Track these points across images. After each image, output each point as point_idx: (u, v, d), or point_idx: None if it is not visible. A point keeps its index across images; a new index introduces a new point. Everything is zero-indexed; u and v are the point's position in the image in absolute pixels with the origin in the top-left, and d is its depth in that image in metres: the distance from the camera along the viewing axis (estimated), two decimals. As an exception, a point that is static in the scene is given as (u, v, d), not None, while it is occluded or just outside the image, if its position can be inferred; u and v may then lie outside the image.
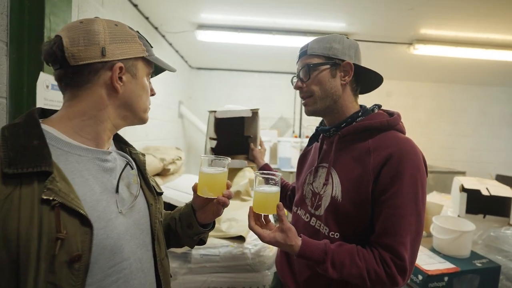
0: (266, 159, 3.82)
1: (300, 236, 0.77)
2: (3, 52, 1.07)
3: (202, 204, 0.76)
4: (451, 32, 2.49)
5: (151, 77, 0.75)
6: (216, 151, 1.51)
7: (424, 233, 1.82)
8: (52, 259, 0.46)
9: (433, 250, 1.54)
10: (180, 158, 2.11)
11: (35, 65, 1.10)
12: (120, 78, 0.60)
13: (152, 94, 0.71)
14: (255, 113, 1.49)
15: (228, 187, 0.74)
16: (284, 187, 1.25)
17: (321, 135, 0.95)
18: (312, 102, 0.86)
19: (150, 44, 0.69)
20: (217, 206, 0.75)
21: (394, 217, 0.71)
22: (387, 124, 0.80)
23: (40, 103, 1.10)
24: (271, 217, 0.86)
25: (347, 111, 0.86)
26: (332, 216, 0.80)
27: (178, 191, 1.60)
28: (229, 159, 0.75)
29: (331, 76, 0.83)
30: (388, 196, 0.72)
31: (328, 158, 0.86)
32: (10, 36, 1.08)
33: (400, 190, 0.71)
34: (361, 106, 0.90)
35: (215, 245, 1.40)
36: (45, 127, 0.56)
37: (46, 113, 0.63)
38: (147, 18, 2.33)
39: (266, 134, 4.14)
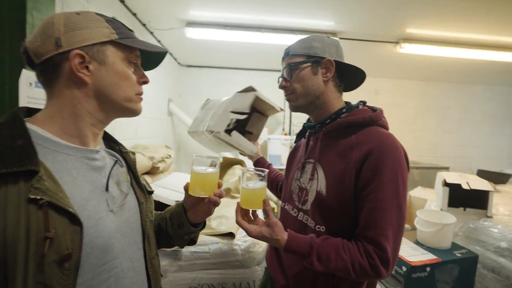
0: (257, 156, 3.83)
1: (287, 231, 0.79)
2: (-17, 49, 1.05)
3: (193, 204, 0.76)
4: (436, 32, 2.56)
5: (147, 69, 0.71)
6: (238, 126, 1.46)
7: (408, 226, 1.88)
8: (41, 259, 0.46)
9: (417, 242, 1.59)
10: (170, 156, 2.10)
11: (17, 62, 1.08)
12: (87, 68, 0.56)
13: (144, 82, 0.65)
14: (268, 115, 1.51)
15: (220, 186, 0.74)
16: (276, 178, 1.30)
17: (308, 131, 0.98)
18: (294, 98, 0.89)
19: (127, 28, 0.63)
20: (208, 205, 0.75)
21: (376, 210, 0.73)
22: (370, 119, 0.82)
23: (23, 101, 1.08)
24: (260, 213, 0.88)
25: (332, 107, 0.88)
26: (318, 210, 0.83)
27: (167, 189, 1.60)
28: (221, 158, 0.76)
29: (312, 74, 0.86)
30: (369, 190, 0.74)
31: (314, 154, 0.89)
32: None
33: (381, 184, 0.73)
34: (346, 102, 0.92)
35: (205, 242, 1.41)
36: (30, 126, 0.54)
37: (32, 112, 0.61)
38: (134, 15, 2.29)
39: (256, 132, 4.16)
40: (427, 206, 1.95)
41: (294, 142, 1.09)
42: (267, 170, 0.80)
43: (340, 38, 2.68)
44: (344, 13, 2.26)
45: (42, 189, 0.48)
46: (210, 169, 0.73)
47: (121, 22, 0.63)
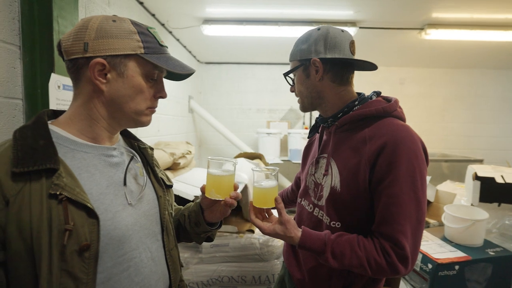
0: (277, 151, 3.83)
1: (301, 227, 0.79)
2: (16, 55, 1.13)
3: (210, 204, 0.78)
4: (464, 14, 2.38)
5: (175, 80, 0.73)
6: None
7: (435, 222, 1.79)
8: (63, 248, 0.50)
9: (444, 239, 1.52)
10: (190, 152, 2.16)
11: (47, 66, 1.16)
12: (105, 75, 0.58)
13: (160, 97, 0.66)
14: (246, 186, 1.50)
15: (235, 188, 0.75)
16: (284, 192, 1.27)
17: (321, 125, 0.97)
18: (300, 100, 0.92)
19: (159, 42, 0.63)
20: (224, 207, 0.76)
21: (392, 205, 0.71)
22: (383, 111, 0.79)
23: (53, 102, 1.16)
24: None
25: (338, 102, 0.86)
26: (332, 206, 0.82)
27: (188, 184, 1.64)
28: (237, 161, 0.76)
29: (305, 77, 0.87)
30: (385, 185, 0.72)
31: (328, 149, 0.88)
32: (23, 40, 1.14)
33: (396, 178, 0.70)
34: (359, 94, 0.89)
35: (224, 235, 1.44)
36: (52, 127, 0.59)
37: (58, 114, 0.66)
38: (153, 15, 2.36)
39: (276, 126, 4.14)
40: (456, 201, 1.85)
41: (308, 137, 1.08)
42: (277, 169, 0.80)
43: (360, 28, 2.58)
44: (363, 1, 2.17)
45: (61, 185, 0.51)
46: (226, 172, 0.74)
47: (154, 36, 0.63)
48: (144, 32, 0.61)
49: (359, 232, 0.77)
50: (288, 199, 1.25)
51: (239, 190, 1.40)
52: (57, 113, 0.66)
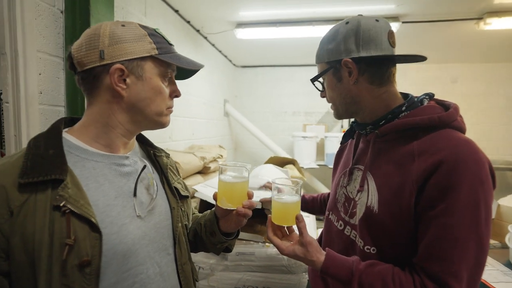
0: (313, 156, 3.69)
1: (326, 250, 0.70)
2: (60, 66, 1.23)
3: (224, 213, 0.73)
4: (536, -1, 2.04)
5: (181, 79, 0.72)
6: None
7: (496, 243, 1.54)
8: (64, 263, 0.48)
9: (508, 264, 1.29)
10: (221, 156, 2.17)
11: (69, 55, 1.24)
12: (124, 81, 0.58)
13: (176, 96, 0.67)
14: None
15: (250, 196, 0.69)
16: (315, 200, 1.18)
17: (357, 131, 0.85)
18: (333, 108, 0.81)
19: (167, 42, 0.64)
20: (237, 217, 0.70)
21: (445, 240, 0.58)
22: (439, 120, 0.64)
23: (89, 109, 1.23)
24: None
25: (379, 106, 0.73)
26: (367, 228, 0.70)
27: (216, 189, 1.64)
28: (249, 165, 0.70)
29: (337, 81, 0.76)
30: (436, 212, 0.59)
31: (364, 160, 0.75)
32: (66, 52, 1.23)
33: (453, 206, 0.57)
34: (407, 96, 0.75)
35: (251, 244, 1.40)
36: (66, 135, 0.59)
37: (76, 121, 0.65)
38: (188, 22, 2.43)
39: (312, 130, 4.01)
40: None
41: (340, 143, 0.97)
42: (301, 182, 0.73)
43: (403, 22, 2.36)
44: (408, -8, 1.98)
45: (65, 197, 0.50)
46: (238, 178, 0.68)
47: (162, 35, 0.64)
48: (153, 34, 0.61)
49: (397, 261, 0.66)
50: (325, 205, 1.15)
51: (263, 197, 1.35)
52: (75, 120, 0.66)
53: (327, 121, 4.20)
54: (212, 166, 1.96)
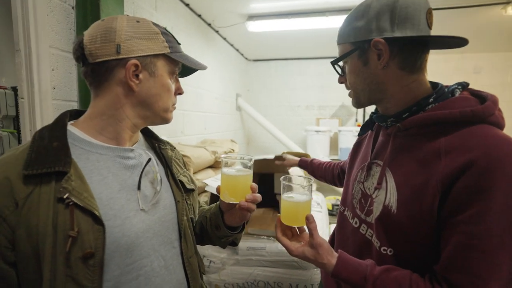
0: (326, 150, 3.64)
1: (338, 252, 0.66)
2: (72, 62, 1.24)
3: (228, 207, 0.72)
4: None
5: (181, 77, 0.73)
6: None
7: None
8: (68, 254, 0.49)
9: None
10: (233, 150, 2.16)
11: (78, 43, 1.26)
12: (137, 76, 0.59)
13: (179, 93, 0.69)
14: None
15: (253, 190, 0.66)
16: (328, 169, 1.22)
17: (376, 123, 0.78)
18: (354, 95, 0.73)
19: (177, 41, 0.67)
20: (241, 211, 0.68)
21: (473, 249, 0.52)
22: (472, 115, 0.57)
23: (101, 104, 1.25)
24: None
25: (405, 97, 0.66)
26: (384, 228, 0.66)
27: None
28: (253, 158, 0.67)
29: (363, 64, 0.67)
30: (463, 218, 0.53)
31: (384, 155, 0.70)
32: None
33: (484, 213, 0.51)
34: (436, 85, 0.68)
35: (262, 239, 1.39)
36: (71, 128, 0.59)
37: (82, 113, 0.65)
38: (199, 16, 2.42)
39: (326, 124, 3.94)
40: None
41: (358, 135, 0.90)
42: (312, 180, 0.69)
43: (424, 9, 2.24)
44: (428, -23, 1.87)
45: (68, 189, 0.50)
46: (241, 171, 0.66)
47: (171, 35, 0.66)
48: (165, 32, 0.63)
49: (416, 265, 0.61)
50: (321, 172, 1.22)
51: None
52: (81, 113, 0.65)
53: (341, 115, 4.11)
54: (224, 160, 1.96)
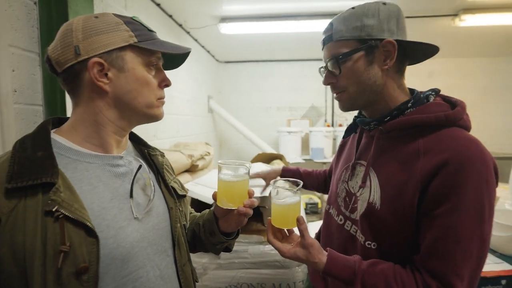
0: (298, 150, 3.73)
1: (327, 250, 0.69)
2: (36, 62, 1.14)
3: (223, 213, 0.72)
4: (507, -4, 2.15)
5: (171, 68, 0.69)
6: None
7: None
8: (59, 271, 0.45)
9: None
10: (209, 153, 2.13)
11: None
12: (106, 75, 0.55)
13: (166, 85, 0.63)
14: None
15: (250, 195, 0.67)
16: (315, 177, 1.20)
17: (359, 126, 0.83)
18: (346, 98, 0.72)
19: (147, 28, 0.60)
20: (238, 216, 0.68)
21: (448, 239, 0.58)
22: (445, 119, 0.63)
23: (70, 107, 1.16)
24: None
25: (393, 101, 0.70)
26: (368, 224, 0.70)
27: (206, 187, 1.61)
28: (251, 165, 0.68)
29: (367, 64, 0.67)
30: (440, 212, 0.59)
31: (367, 156, 0.74)
32: (42, 47, 1.15)
33: (458, 206, 0.57)
34: (412, 92, 0.73)
35: (244, 242, 1.39)
36: (55, 136, 0.55)
37: (64, 121, 0.61)
38: (170, 16, 2.35)
39: (297, 125, 4.04)
40: (500, 205, 1.67)
41: (343, 137, 0.94)
42: (301, 183, 0.70)
43: (386, 17, 2.41)
44: (390, -12, 2.01)
45: (58, 201, 0.47)
46: (239, 177, 0.66)
47: (140, 22, 0.60)
48: (130, 21, 0.57)
49: (397, 257, 0.66)
50: (310, 180, 1.19)
51: (261, 195, 1.33)
52: (63, 121, 0.61)
53: (311, 116, 4.24)
54: (200, 163, 1.93)
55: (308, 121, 4.16)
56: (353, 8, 0.68)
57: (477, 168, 0.58)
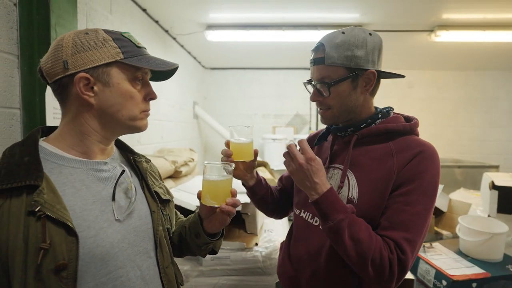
0: (282, 158, 3.79)
1: (299, 242, 0.76)
2: (14, 65, 1.11)
3: (208, 213, 0.73)
4: (477, 15, 2.30)
5: (160, 80, 0.72)
6: None
7: (448, 234, 1.70)
8: (39, 267, 0.48)
9: (459, 253, 1.43)
10: (193, 159, 2.12)
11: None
12: (92, 88, 0.58)
13: (151, 98, 0.66)
14: None
15: (233, 194, 0.70)
16: (267, 195, 1.01)
17: (330, 135, 0.91)
18: (330, 115, 0.82)
19: (135, 45, 0.63)
20: (222, 215, 0.71)
21: (405, 213, 0.69)
22: (409, 128, 0.80)
23: (50, 112, 1.13)
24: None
25: (364, 114, 0.84)
26: None
27: (189, 193, 1.60)
28: (233, 165, 0.71)
29: (352, 88, 0.78)
30: (402, 191, 0.71)
31: (342, 159, 0.83)
32: (21, 49, 1.12)
33: (418, 188, 0.70)
34: (376, 108, 0.87)
35: (226, 248, 1.39)
36: (42, 143, 0.59)
37: (54, 130, 0.65)
38: (156, 22, 2.35)
39: (281, 132, 4.09)
40: (472, 211, 1.75)
41: (315, 145, 0.97)
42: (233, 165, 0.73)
43: (367, 30, 2.52)
44: (370, 2, 2.11)
45: (40, 202, 0.50)
46: (222, 176, 0.70)
47: (129, 39, 0.63)
48: (119, 38, 0.61)
49: None
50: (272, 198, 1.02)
51: (243, 201, 1.34)
52: (52, 129, 0.65)
53: (295, 123, 4.31)
54: (184, 170, 1.91)
55: (292, 129, 4.22)
56: (343, 33, 0.76)
57: (437, 160, 0.74)
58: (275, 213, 1.05)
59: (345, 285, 0.76)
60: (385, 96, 3.82)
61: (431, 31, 2.56)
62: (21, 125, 1.14)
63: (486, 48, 3.08)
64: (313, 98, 0.82)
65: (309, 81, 0.84)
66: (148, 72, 0.65)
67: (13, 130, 1.10)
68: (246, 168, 0.91)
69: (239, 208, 1.42)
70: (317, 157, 0.73)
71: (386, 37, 2.85)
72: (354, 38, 0.75)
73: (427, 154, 0.73)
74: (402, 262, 0.67)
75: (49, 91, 1.13)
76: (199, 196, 0.71)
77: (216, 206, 0.69)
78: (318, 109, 0.84)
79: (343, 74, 0.76)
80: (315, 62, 0.80)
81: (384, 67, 0.81)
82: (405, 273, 0.68)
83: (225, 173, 0.70)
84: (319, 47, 0.78)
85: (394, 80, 0.91)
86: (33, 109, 1.15)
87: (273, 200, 1.02)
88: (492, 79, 4.21)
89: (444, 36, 2.53)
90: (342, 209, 0.69)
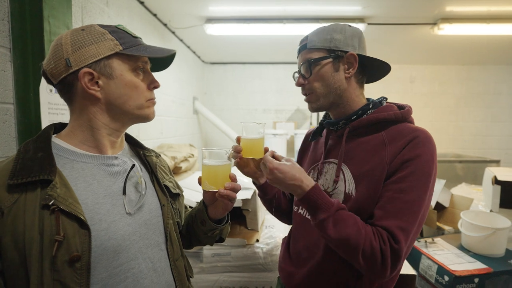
0: (283, 153, 3.76)
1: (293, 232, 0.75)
2: (7, 58, 1.08)
3: (211, 199, 0.75)
4: (481, 7, 2.26)
5: (160, 70, 0.73)
6: None
7: (450, 229, 1.68)
8: (54, 258, 0.51)
9: (461, 248, 1.42)
10: (193, 155, 2.10)
11: (39, 69, 1.11)
12: (97, 83, 0.60)
13: (155, 87, 0.67)
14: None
15: (232, 179, 0.71)
16: (279, 195, 1.00)
17: (324, 129, 0.91)
18: (314, 98, 0.82)
19: (131, 35, 0.65)
20: (222, 200, 0.72)
21: (398, 200, 0.67)
22: (401, 116, 0.78)
23: (45, 106, 1.11)
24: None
25: (354, 105, 0.82)
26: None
27: (189, 189, 1.58)
28: (230, 150, 0.73)
29: (334, 70, 0.79)
30: (395, 179, 0.69)
31: (336, 153, 0.82)
32: (13, 42, 1.09)
33: (410, 174, 0.68)
34: (368, 99, 0.86)
35: (226, 245, 1.38)
36: (55, 140, 0.62)
37: (65, 126, 0.67)
38: (155, 15, 2.31)
39: (282, 127, 4.06)
40: (474, 206, 1.74)
41: (310, 141, 0.99)
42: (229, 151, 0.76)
43: (368, 24, 2.47)
44: (373, -5, 2.07)
45: (54, 196, 0.53)
46: (221, 161, 0.71)
47: (125, 30, 0.65)
48: (115, 30, 0.63)
49: None
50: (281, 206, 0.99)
51: (243, 197, 1.32)
52: (65, 126, 0.67)
53: (296, 119, 4.28)
54: (184, 165, 1.89)
55: (293, 124, 4.19)
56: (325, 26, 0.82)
57: (429, 148, 0.71)
58: (288, 217, 1.00)
59: (344, 278, 0.76)
60: (387, 92, 3.78)
61: (434, 24, 2.52)
62: (15, 121, 1.11)
63: (489, 42, 3.03)
64: (297, 83, 0.84)
65: (298, 72, 0.86)
66: (148, 62, 0.66)
67: (7, 125, 1.08)
68: (256, 166, 0.89)
69: (239, 204, 1.41)
70: (281, 163, 0.72)
71: (388, 30, 2.80)
72: (334, 26, 0.81)
73: (420, 139, 0.71)
74: (395, 251, 0.65)
75: (43, 85, 1.10)
76: (199, 181, 0.73)
77: (214, 190, 0.70)
78: (305, 98, 0.85)
79: (324, 55, 0.79)
80: (300, 49, 0.84)
81: (388, 62, 0.81)
82: (399, 263, 0.67)
83: (223, 158, 0.71)
84: (304, 38, 0.83)
85: (396, 75, 0.90)
86: (27, 104, 1.12)
87: (286, 202, 1.00)
88: (494, 74, 4.17)
89: (447, 29, 2.48)
90: (325, 208, 0.68)
